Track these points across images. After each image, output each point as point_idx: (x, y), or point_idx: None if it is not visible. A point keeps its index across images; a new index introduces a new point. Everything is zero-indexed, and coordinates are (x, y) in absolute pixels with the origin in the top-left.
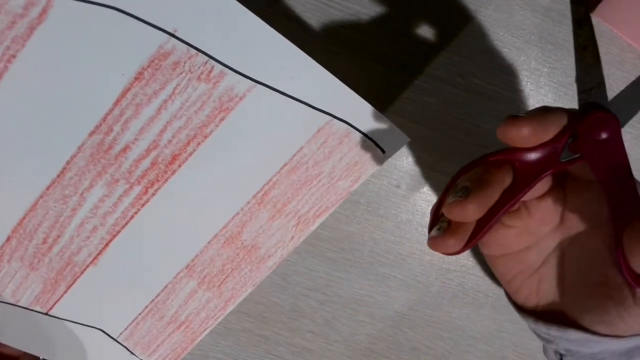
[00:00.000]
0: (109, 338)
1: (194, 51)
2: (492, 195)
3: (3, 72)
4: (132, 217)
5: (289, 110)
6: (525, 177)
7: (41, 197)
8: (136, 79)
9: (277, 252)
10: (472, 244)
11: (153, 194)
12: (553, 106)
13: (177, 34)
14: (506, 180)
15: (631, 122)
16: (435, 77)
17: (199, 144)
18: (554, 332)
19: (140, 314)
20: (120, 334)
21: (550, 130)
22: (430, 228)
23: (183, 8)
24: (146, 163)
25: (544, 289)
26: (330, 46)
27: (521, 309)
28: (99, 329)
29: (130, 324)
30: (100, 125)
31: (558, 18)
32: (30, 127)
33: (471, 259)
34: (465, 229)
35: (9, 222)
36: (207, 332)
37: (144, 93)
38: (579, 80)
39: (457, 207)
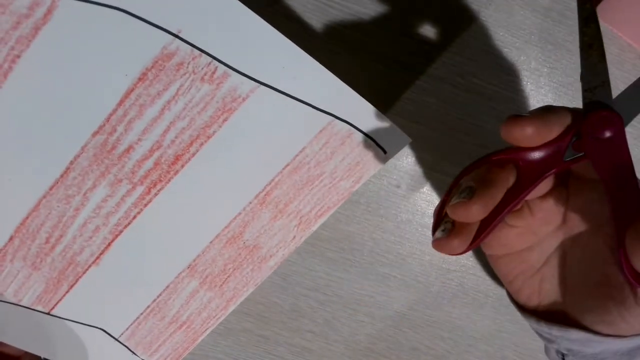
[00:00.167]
0: (111, 338)
1: (197, 52)
2: (496, 196)
3: (8, 72)
4: (134, 217)
5: (292, 111)
6: (529, 176)
7: (44, 197)
8: (140, 79)
9: (279, 252)
10: (476, 244)
11: (156, 194)
12: (556, 105)
13: (181, 35)
14: (510, 179)
15: (632, 122)
16: (435, 77)
17: (202, 144)
18: (555, 332)
19: (141, 313)
20: (122, 333)
21: (553, 130)
22: (434, 229)
23: (187, 9)
24: (149, 163)
25: (545, 289)
26: (331, 46)
27: (523, 309)
28: (100, 329)
29: (131, 324)
30: (104, 125)
31: (558, 18)
32: (34, 127)
33: (471, 259)
34: (469, 230)
35: (12, 222)
36: (208, 332)
37: (147, 94)
38: (583, 78)
39: (462, 208)
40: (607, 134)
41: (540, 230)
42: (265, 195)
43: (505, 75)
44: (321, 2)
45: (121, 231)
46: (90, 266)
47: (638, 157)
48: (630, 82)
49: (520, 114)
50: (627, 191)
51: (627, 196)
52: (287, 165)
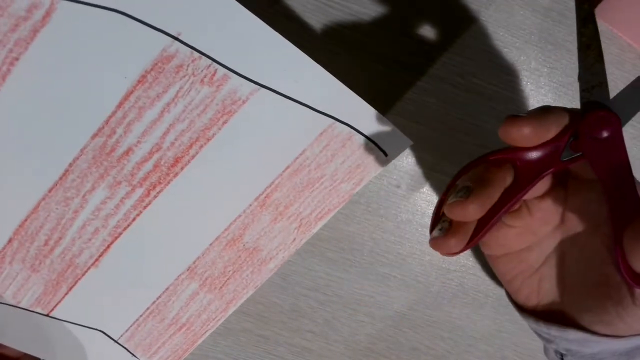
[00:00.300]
0: (110, 340)
1: (197, 54)
2: (493, 195)
3: (6, 74)
4: (134, 219)
5: (292, 113)
6: (526, 176)
7: (43, 199)
8: (139, 82)
9: (279, 254)
10: (474, 243)
11: (155, 197)
12: (554, 105)
13: (180, 37)
14: (507, 179)
15: (631, 122)
16: (435, 77)
17: (201, 146)
18: (554, 331)
19: (141, 315)
20: (121, 335)
21: (551, 130)
22: (432, 228)
23: (187, 11)
24: (148, 166)
25: (544, 289)
26: (330, 46)
27: (522, 309)
28: (100, 331)
29: (131, 326)
30: (103, 127)
31: (558, 18)
32: (33, 129)
33: (471, 259)
34: (466, 229)
35: (11, 224)
36: (208, 334)
37: (147, 96)
38: (581, 78)
39: (459, 207)
40: (605, 134)
41: (539, 230)
42: (265, 197)
43: (505, 75)
44: (321, 2)
45: (120, 233)
46: (89, 268)
47: (638, 157)
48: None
49: (517, 115)
50: (624, 191)
51: (625, 196)
52: (288, 167)
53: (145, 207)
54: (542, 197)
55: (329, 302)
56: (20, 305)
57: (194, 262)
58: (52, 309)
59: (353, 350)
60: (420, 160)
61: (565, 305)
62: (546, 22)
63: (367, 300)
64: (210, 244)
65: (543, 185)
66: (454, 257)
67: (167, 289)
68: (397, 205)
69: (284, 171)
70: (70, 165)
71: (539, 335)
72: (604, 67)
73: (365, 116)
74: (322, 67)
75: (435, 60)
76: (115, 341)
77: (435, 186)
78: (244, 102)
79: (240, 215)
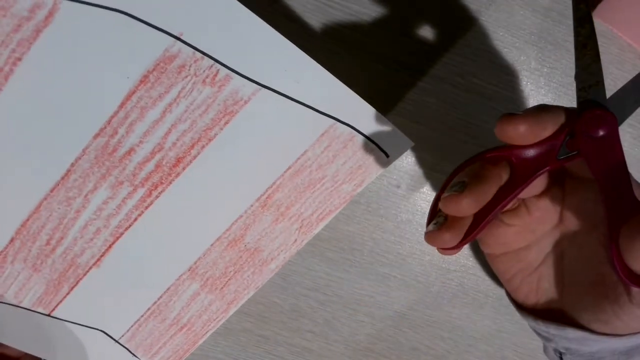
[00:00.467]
0: (111, 340)
1: (199, 55)
2: (488, 191)
3: (9, 74)
4: (135, 219)
5: (293, 114)
6: (523, 173)
7: (45, 198)
8: (141, 82)
9: (280, 255)
10: (469, 239)
11: (157, 197)
12: (551, 104)
13: (183, 38)
14: (503, 176)
15: (631, 122)
16: (435, 77)
17: (203, 147)
18: (553, 330)
19: (142, 316)
20: (122, 335)
21: (547, 128)
22: (428, 223)
23: (189, 12)
24: (150, 166)
25: (543, 288)
26: (331, 46)
27: (521, 308)
28: (101, 331)
29: (132, 326)
30: (105, 127)
31: (558, 18)
32: (35, 129)
33: (471, 259)
34: (461, 224)
35: (13, 224)
36: (209, 334)
37: (149, 96)
38: (578, 77)
39: (452, 201)
40: (601, 133)
41: (538, 229)
42: (266, 198)
43: (505, 75)
44: (321, 2)
45: (122, 233)
46: (90, 268)
47: (638, 157)
48: None
49: (513, 113)
50: (620, 190)
51: (621, 195)
52: (289, 168)
53: (147, 207)
54: (539, 196)
55: (329, 302)
56: (21, 305)
57: (195, 263)
58: (54, 309)
59: (353, 350)
60: (420, 160)
61: (564, 303)
62: (546, 22)
63: (367, 300)
64: (212, 245)
65: (540, 183)
66: (454, 257)
67: (168, 289)
68: (397, 205)
69: (285, 172)
70: (73, 165)
71: (539, 334)
72: (601, 67)
73: (366, 117)
74: (323, 68)
75: (435, 60)
76: (116, 341)
77: (435, 186)
78: (245, 102)
79: (241, 216)
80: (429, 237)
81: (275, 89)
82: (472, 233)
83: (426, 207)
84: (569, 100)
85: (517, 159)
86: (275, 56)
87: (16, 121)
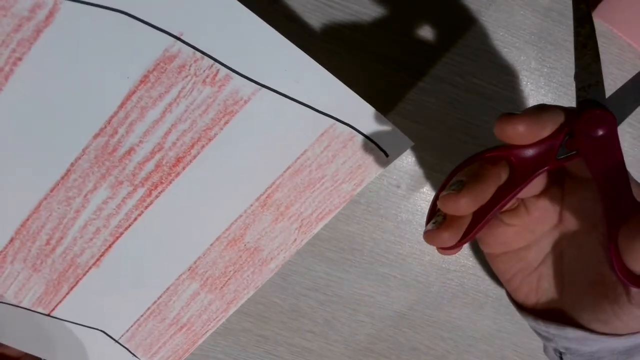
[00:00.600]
0: (111, 340)
1: (199, 54)
2: (486, 190)
3: (9, 74)
4: (135, 219)
5: (293, 114)
6: (522, 173)
7: (45, 198)
8: (141, 82)
9: (280, 254)
10: (468, 239)
11: (157, 196)
12: (550, 104)
13: (183, 38)
14: (502, 175)
15: (631, 122)
16: (435, 77)
17: (203, 146)
18: (552, 330)
19: (142, 315)
20: (122, 335)
21: (546, 128)
22: (427, 222)
23: (189, 12)
24: (150, 165)
25: (543, 287)
26: (331, 46)
27: (521, 307)
28: (100, 331)
29: (132, 326)
30: (105, 127)
31: (558, 18)
32: (35, 129)
33: (471, 259)
34: (460, 224)
35: (13, 224)
36: (208, 334)
37: (149, 96)
38: (577, 77)
39: (451, 200)
40: (600, 132)
41: (537, 229)
42: (266, 197)
43: (505, 75)
44: (321, 2)
45: (122, 233)
46: (90, 268)
47: (637, 157)
48: None
49: (513, 113)
50: (619, 190)
51: (619, 195)
52: (289, 167)
53: (146, 207)
54: (539, 196)
55: (329, 302)
56: (21, 305)
57: (194, 262)
58: (53, 309)
59: (353, 350)
60: (420, 160)
61: (564, 303)
62: (546, 22)
63: (367, 300)
64: (211, 244)
65: (539, 183)
66: (454, 257)
67: (167, 289)
68: (397, 205)
69: (285, 171)
70: (72, 164)
71: (539, 334)
72: (600, 67)
73: (366, 117)
74: (323, 68)
75: (435, 60)
76: (116, 341)
77: (435, 186)
78: (245, 102)
79: (241, 215)
80: (428, 236)
81: (275, 88)
82: (471, 232)
83: (426, 207)
84: (569, 100)
85: (516, 158)
86: (275, 56)
87: (16, 121)
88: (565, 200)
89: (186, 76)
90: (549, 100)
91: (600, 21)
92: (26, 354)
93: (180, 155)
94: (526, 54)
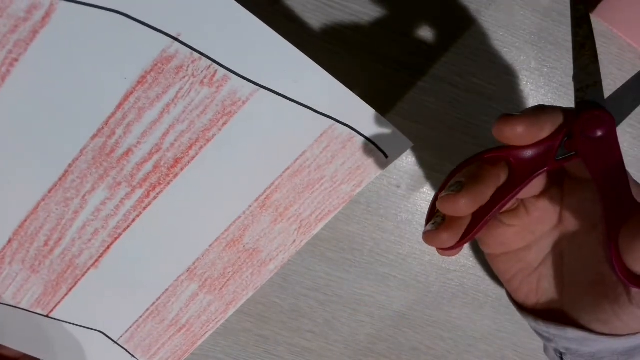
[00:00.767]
0: (110, 341)
1: (197, 55)
2: (485, 191)
3: (5, 75)
4: (133, 220)
5: (292, 115)
6: (521, 174)
7: (43, 199)
8: (139, 82)
9: (279, 256)
10: (467, 240)
11: (155, 197)
12: (549, 105)
13: (180, 38)
14: (501, 176)
15: (631, 122)
16: (435, 77)
17: (201, 147)
18: (553, 330)
19: (141, 316)
20: (121, 336)
21: (545, 129)
22: (427, 223)
23: (187, 12)
24: (148, 166)
25: (543, 288)
26: (331, 46)
27: (521, 308)
28: (99, 332)
29: (131, 327)
30: (103, 128)
31: (558, 18)
32: (33, 130)
33: (471, 259)
34: (459, 224)
35: (11, 225)
36: (207, 335)
37: (146, 97)
38: (576, 78)
39: (450, 201)
40: (599, 133)
41: (537, 230)
42: (265, 198)
43: (505, 75)
44: (321, 2)
45: (120, 234)
46: (89, 269)
47: (637, 157)
48: None
49: (511, 113)
50: (618, 190)
51: (619, 195)
52: (288, 168)
53: (145, 208)
54: (538, 196)
55: (329, 302)
56: (20, 306)
57: (193, 263)
58: (52, 310)
59: (353, 350)
60: (420, 160)
61: (564, 304)
62: (546, 22)
63: (367, 300)
64: (210, 245)
65: (539, 184)
66: (454, 257)
67: (166, 290)
68: (397, 205)
69: (284, 172)
70: (70, 166)
71: (539, 334)
72: (599, 67)
73: (365, 117)
74: (322, 68)
75: (435, 60)
76: (115, 342)
77: (435, 186)
78: (244, 103)
79: (240, 217)
80: (427, 237)
81: (274, 89)
82: (470, 233)
83: (426, 207)
84: (569, 100)
85: (515, 159)
86: (273, 56)
87: (13, 122)
88: (565, 201)
89: (184, 77)
90: (548, 100)
91: (600, 21)
92: (25, 355)
93: (178, 156)
94: (526, 54)
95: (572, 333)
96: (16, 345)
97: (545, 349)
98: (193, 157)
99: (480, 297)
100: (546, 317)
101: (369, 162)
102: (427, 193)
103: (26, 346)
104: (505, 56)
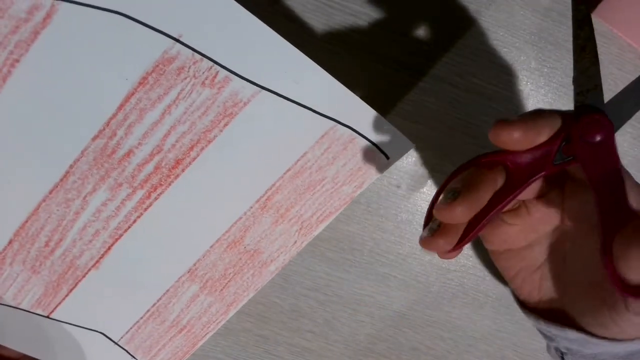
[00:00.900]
0: (110, 342)
1: (198, 56)
2: (481, 198)
3: (7, 76)
4: (134, 221)
5: (293, 116)
6: (519, 178)
7: (44, 200)
8: (140, 83)
9: (280, 257)
10: (464, 243)
11: (156, 198)
12: (547, 109)
13: (182, 39)
14: (498, 181)
15: (631, 122)
16: (435, 77)
17: (202, 148)
18: (554, 330)
19: (141, 317)
20: (122, 337)
21: (542, 134)
22: (425, 227)
23: (188, 13)
24: (149, 167)
25: (545, 287)
26: (331, 46)
27: (524, 306)
28: (100, 333)
29: (131, 328)
30: (104, 129)
31: (558, 18)
32: (34, 131)
33: (471, 259)
34: (455, 230)
35: (12, 225)
36: (208, 336)
37: (147, 98)
38: (576, 81)
39: (446, 210)
40: (598, 138)
41: (539, 229)
42: (266, 199)
43: (505, 75)
44: (321, 2)
45: (121, 235)
46: (90, 270)
47: (638, 157)
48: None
49: (507, 119)
50: (616, 196)
51: (616, 201)
52: (289, 170)
53: (146, 209)
54: (539, 197)
55: (329, 302)
56: (20, 307)
57: (194, 264)
58: (53, 311)
59: (353, 350)
60: (420, 160)
61: (565, 304)
62: (546, 22)
63: (367, 300)
64: (211, 246)
65: (537, 187)
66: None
67: (167, 291)
68: (397, 205)
69: (285, 173)
70: (71, 166)
71: (541, 333)
72: (599, 70)
73: (366, 119)
74: (323, 70)
75: (435, 60)
76: (116, 343)
77: (435, 186)
78: (245, 104)
79: (241, 218)
80: (423, 243)
81: (275, 90)
82: (467, 237)
83: (426, 207)
84: (569, 100)
85: (512, 163)
86: (274, 58)
87: (14, 123)
88: (566, 203)
89: (185, 78)
90: (548, 100)
91: (600, 21)
92: (25, 356)
93: (179, 157)
94: (526, 54)
95: (572, 334)
96: (16, 345)
97: (548, 348)
98: (194, 158)
99: (480, 297)
100: (548, 316)
101: (370, 164)
102: (427, 193)
103: (26, 347)
104: (505, 56)
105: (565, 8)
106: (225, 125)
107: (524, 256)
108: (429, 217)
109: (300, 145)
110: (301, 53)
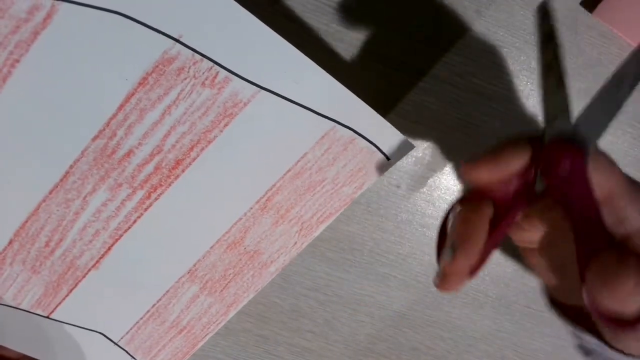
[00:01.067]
0: (110, 342)
1: (198, 57)
2: (476, 244)
3: (7, 76)
4: (134, 221)
5: (294, 116)
6: (506, 209)
7: (44, 200)
8: (140, 84)
9: (280, 257)
10: (474, 275)
11: (156, 199)
12: (515, 138)
13: (182, 40)
14: (485, 222)
15: (631, 122)
16: (435, 77)
17: (202, 149)
18: (577, 332)
19: (141, 318)
20: (122, 338)
21: (510, 165)
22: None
23: (188, 14)
24: (149, 168)
25: (567, 285)
26: (330, 46)
27: (551, 301)
28: (100, 333)
29: (131, 328)
30: (104, 129)
31: (558, 18)
32: (34, 131)
33: None
34: (460, 276)
35: (12, 225)
36: (208, 337)
37: (148, 98)
38: (542, 105)
39: (449, 267)
40: (566, 169)
41: (557, 233)
42: (266, 200)
43: (505, 75)
44: (321, 2)
45: (121, 235)
46: (90, 270)
47: (638, 157)
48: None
49: (472, 160)
50: (590, 226)
51: (591, 231)
52: (289, 170)
53: (146, 210)
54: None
55: (329, 302)
56: (20, 307)
57: (194, 265)
58: (53, 311)
59: (353, 350)
60: (420, 160)
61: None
62: None
63: (367, 300)
64: (211, 247)
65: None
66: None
67: (167, 291)
68: (397, 205)
69: (285, 174)
70: (71, 167)
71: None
72: (566, 92)
73: (367, 119)
74: (323, 70)
75: (435, 60)
76: (116, 343)
77: (435, 186)
78: (245, 104)
79: (241, 218)
80: (437, 288)
81: (275, 91)
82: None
83: (426, 207)
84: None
85: (497, 195)
86: (274, 58)
87: (15, 123)
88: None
89: (185, 78)
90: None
91: (600, 21)
92: (25, 356)
93: (179, 157)
94: (526, 54)
95: (592, 340)
96: (16, 346)
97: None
98: (194, 159)
99: (480, 297)
100: (571, 314)
101: (371, 165)
102: (427, 193)
103: (26, 347)
104: (505, 56)
105: (564, 8)
106: (226, 125)
107: (547, 254)
108: (438, 252)
109: (300, 146)
110: (301, 53)
